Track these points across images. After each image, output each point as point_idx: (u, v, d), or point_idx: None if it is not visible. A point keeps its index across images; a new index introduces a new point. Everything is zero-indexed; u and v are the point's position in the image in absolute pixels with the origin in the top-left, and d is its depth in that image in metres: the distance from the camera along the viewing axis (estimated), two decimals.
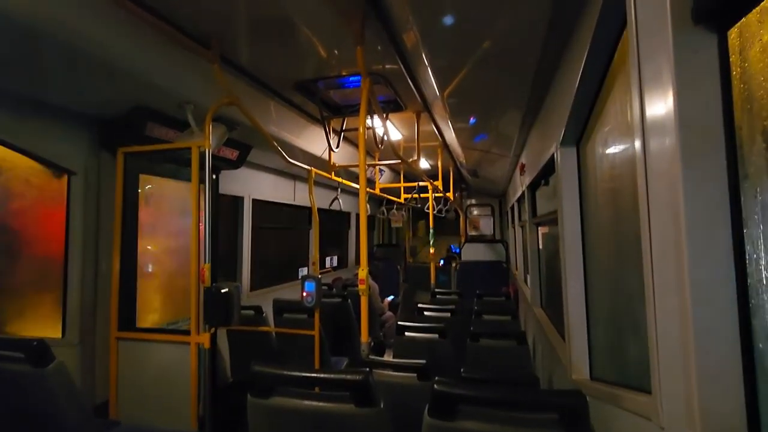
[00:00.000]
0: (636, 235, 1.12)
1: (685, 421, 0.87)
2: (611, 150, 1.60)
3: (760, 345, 0.79)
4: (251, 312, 3.17)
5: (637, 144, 1.07)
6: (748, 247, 0.81)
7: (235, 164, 3.43)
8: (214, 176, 2.75)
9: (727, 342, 0.82)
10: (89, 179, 2.55)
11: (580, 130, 1.96)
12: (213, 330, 2.38)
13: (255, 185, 4.32)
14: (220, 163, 3.24)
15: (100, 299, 2.59)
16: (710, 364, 0.82)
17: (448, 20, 1.88)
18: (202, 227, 2.42)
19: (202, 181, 2.42)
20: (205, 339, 2.35)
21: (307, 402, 1.38)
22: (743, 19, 0.79)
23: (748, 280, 0.81)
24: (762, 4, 0.73)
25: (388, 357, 3.24)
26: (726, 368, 0.81)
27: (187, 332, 2.43)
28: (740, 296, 0.82)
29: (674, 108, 0.85)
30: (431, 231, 5.63)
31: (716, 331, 0.82)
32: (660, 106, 0.93)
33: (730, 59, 0.83)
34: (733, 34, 0.82)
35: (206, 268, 2.31)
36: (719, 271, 0.83)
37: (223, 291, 2.28)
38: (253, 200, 4.30)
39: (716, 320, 0.82)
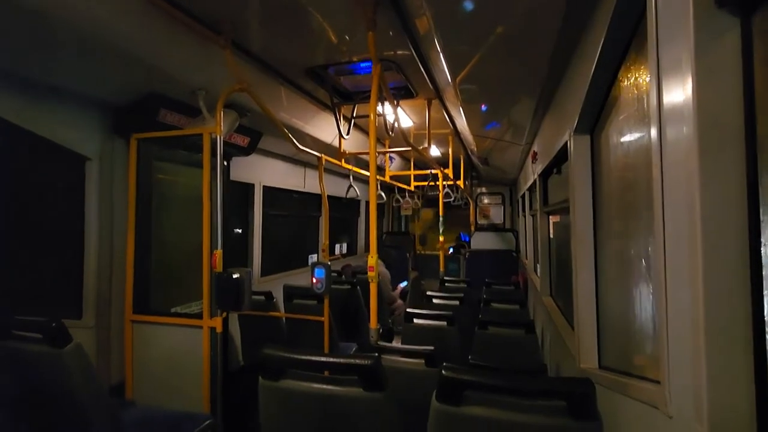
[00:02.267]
0: (649, 225, 1.11)
1: (693, 411, 0.87)
2: (626, 139, 1.57)
3: None
4: (262, 297, 3.21)
5: (653, 133, 1.04)
6: (763, 240, 0.80)
7: (246, 151, 3.44)
8: (225, 163, 2.77)
9: (738, 334, 0.81)
10: (103, 165, 2.58)
11: (595, 118, 1.93)
12: (225, 314, 2.42)
13: (265, 172, 4.34)
14: (232, 150, 3.26)
15: (116, 283, 2.65)
16: (721, 355, 0.81)
17: (461, 5, 1.84)
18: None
19: (213, 167, 2.44)
20: (217, 323, 2.40)
21: (316, 385, 1.41)
22: None
23: (763, 273, 0.80)
24: None
25: (396, 343, 3.27)
26: (736, 360, 0.81)
27: (199, 316, 2.48)
28: (754, 289, 0.80)
29: (693, 96, 0.83)
30: (441, 219, 5.61)
31: (728, 322, 0.82)
32: (678, 93, 0.90)
33: (754, 46, 0.80)
34: (757, 19, 0.79)
35: (218, 253, 2.35)
36: (733, 264, 0.81)
37: (234, 276, 2.32)
38: (264, 187, 4.32)
39: (728, 312, 0.82)
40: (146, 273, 2.77)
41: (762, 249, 0.80)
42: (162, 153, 2.97)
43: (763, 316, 0.80)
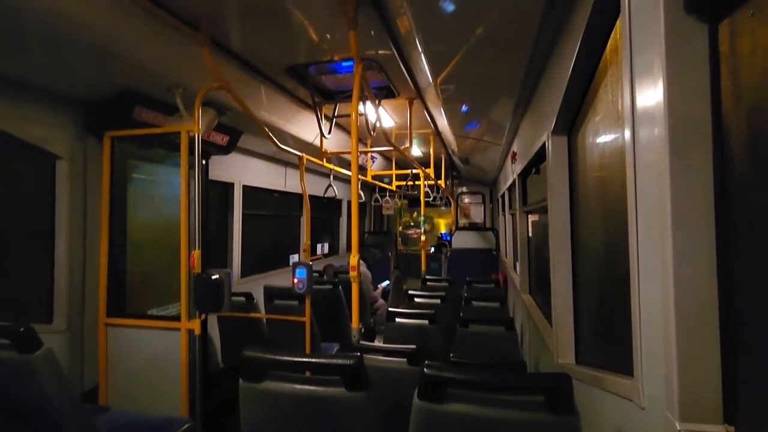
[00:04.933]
0: (623, 224, 1.14)
1: (665, 403, 0.90)
2: (602, 139, 1.62)
3: (738, 331, 0.82)
4: (242, 299, 3.17)
5: (627, 134, 1.08)
6: (731, 238, 0.83)
7: (225, 150, 3.38)
8: (203, 162, 2.71)
9: (706, 328, 0.85)
10: (75, 164, 2.50)
11: (572, 119, 1.97)
12: (203, 316, 2.38)
13: (245, 171, 4.27)
14: (210, 149, 3.20)
15: (89, 286, 2.57)
16: (690, 349, 0.84)
17: (442, 6, 1.85)
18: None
19: (191, 166, 2.39)
20: (195, 325, 2.35)
21: (298, 386, 1.40)
22: (735, 12, 0.79)
23: (730, 271, 0.83)
24: None
25: (378, 343, 3.27)
26: (705, 353, 0.84)
27: (177, 318, 2.43)
28: (721, 285, 0.84)
29: (664, 98, 0.86)
30: (422, 219, 5.65)
31: (697, 317, 0.85)
32: (650, 95, 0.93)
33: (720, 51, 0.84)
34: (724, 25, 0.83)
35: (196, 254, 2.30)
36: (702, 261, 0.85)
37: (213, 277, 2.27)
38: (244, 186, 4.26)
39: (697, 307, 0.85)
40: (121, 275, 2.69)
41: (729, 244, 0.83)
42: (138, 151, 2.89)
43: (730, 311, 0.83)
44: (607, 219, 1.59)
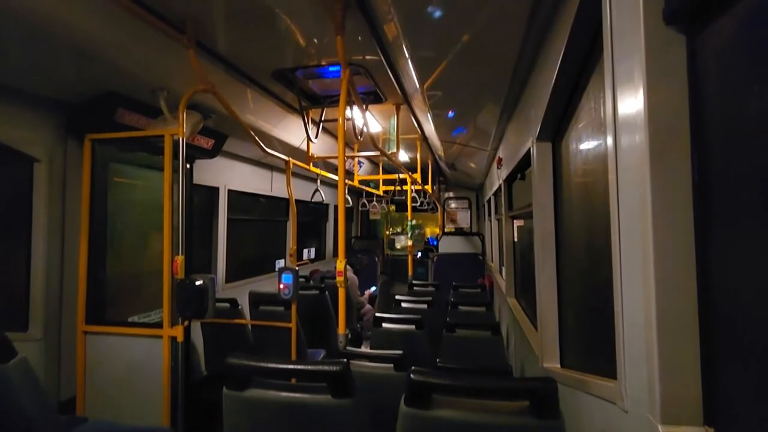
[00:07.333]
0: (607, 229, 1.16)
1: (647, 405, 0.91)
2: (585, 146, 1.65)
3: (718, 335, 0.83)
4: (226, 304, 3.12)
5: (609, 140, 1.10)
6: (709, 242, 0.85)
7: (210, 153, 3.34)
8: (188, 165, 2.67)
9: (687, 332, 0.86)
10: (54, 167, 2.43)
11: (556, 125, 2.00)
12: (186, 323, 2.33)
13: (231, 175, 4.23)
14: (195, 152, 3.16)
15: (67, 293, 2.50)
16: (671, 353, 0.86)
17: (429, 12, 1.87)
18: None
19: (175, 170, 2.35)
20: (178, 332, 2.30)
21: (283, 393, 1.38)
22: (712, 24, 0.82)
23: (709, 274, 0.85)
24: (729, 10, 0.77)
25: (365, 348, 3.26)
26: (686, 356, 0.86)
27: (159, 325, 2.38)
28: (700, 289, 0.86)
29: (644, 105, 0.88)
30: (409, 223, 5.66)
31: (678, 321, 0.87)
32: (631, 103, 0.96)
33: (698, 60, 0.86)
34: (701, 37, 0.85)
35: (179, 260, 2.26)
36: (682, 265, 0.87)
37: (197, 283, 2.23)
38: (229, 191, 4.21)
39: (678, 311, 0.87)
40: (100, 281, 2.63)
41: (708, 249, 0.85)
42: (120, 155, 2.83)
43: (709, 314, 0.85)
44: (590, 224, 1.62)
